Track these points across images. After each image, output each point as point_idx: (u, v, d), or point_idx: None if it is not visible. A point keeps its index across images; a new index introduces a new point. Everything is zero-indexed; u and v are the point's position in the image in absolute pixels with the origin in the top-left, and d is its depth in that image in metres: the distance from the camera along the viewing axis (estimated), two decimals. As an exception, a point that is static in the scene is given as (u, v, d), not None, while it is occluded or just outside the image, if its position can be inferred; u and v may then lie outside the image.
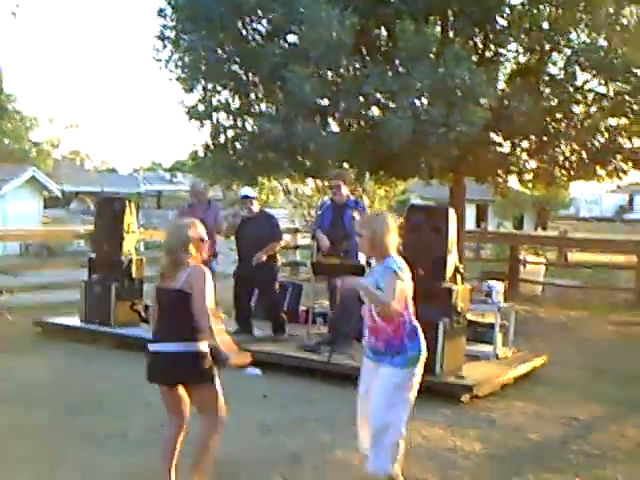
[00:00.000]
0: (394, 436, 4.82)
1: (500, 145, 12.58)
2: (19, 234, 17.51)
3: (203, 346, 4.59)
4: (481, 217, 42.32)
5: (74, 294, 10.48)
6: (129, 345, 8.78)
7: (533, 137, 12.22)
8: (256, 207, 9.41)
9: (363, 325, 5.03)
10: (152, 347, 4.67)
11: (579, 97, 12.04)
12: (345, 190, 9.00)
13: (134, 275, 9.92)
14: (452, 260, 7.74)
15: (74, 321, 9.97)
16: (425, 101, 10.50)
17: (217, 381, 4.70)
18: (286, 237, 16.13)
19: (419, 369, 4.89)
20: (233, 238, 9.66)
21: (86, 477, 5.13)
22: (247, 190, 9.73)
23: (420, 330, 4.91)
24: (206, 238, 4.77)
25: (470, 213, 36.01)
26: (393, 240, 4.90)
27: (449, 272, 7.70)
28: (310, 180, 15.84)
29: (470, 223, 34.18)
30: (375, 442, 4.80)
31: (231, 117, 12.23)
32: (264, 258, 9.13)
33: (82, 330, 9.72)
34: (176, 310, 4.60)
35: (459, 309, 7.70)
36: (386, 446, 4.80)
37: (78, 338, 9.53)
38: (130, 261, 9.94)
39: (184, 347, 4.57)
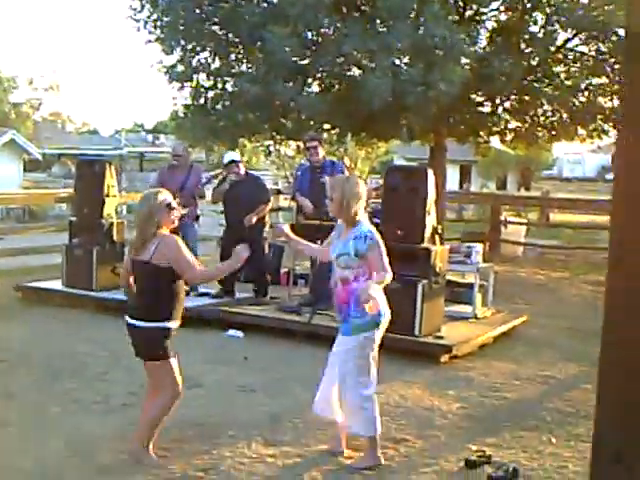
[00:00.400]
0: (363, 400, 4.88)
1: (481, 105, 12.59)
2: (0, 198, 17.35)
3: (160, 323, 4.67)
4: (464, 178, 42.41)
5: (56, 258, 10.46)
6: (111, 309, 8.79)
7: (514, 97, 12.23)
8: (242, 170, 9.37)
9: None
10: (126, 318, 4.83)
11: (560, 56, 12.05)
12: (321, 151, 8.99)
13: (115, 239, 9.88)
14: (430, 221, 7.78)
15: (56, 285, 9.95)
16: (405, 60, 10.47)
17: (173, 360, 4.78)
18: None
19: (373, 336, 4.85)
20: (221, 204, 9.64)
21: (70, 440, 5.16)
22: (232, 155, 9.67)
23: (381, 295, 4.85)
24: (174, 204, 4.78)
25: (453, 174, 36.09)
26: (362, 204, 4.92)
27: (427, 233, 7.74)
28: (292, 142, 15.78)
29: (453, 184, 34.29)
30: (348, 407, 4.88)
31: (211, 78, 12.15)
32: (254, 220, 9.12)
33: (64, 294, 9.71)
34: (143, 283, 4.74)
35: (437, 270, 7.75)
36: (358, 409, 4.87)
37: (60, 302, 9.53)
38: (111, 225, 9.90)
39: (143, 323, 4.70)
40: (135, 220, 4.79)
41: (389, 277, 4.81)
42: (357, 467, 4.84)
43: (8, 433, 5.28)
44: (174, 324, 4.74)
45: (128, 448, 4.87)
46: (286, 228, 5.27)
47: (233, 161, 9.36)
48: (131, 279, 4.84)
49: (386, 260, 4.84)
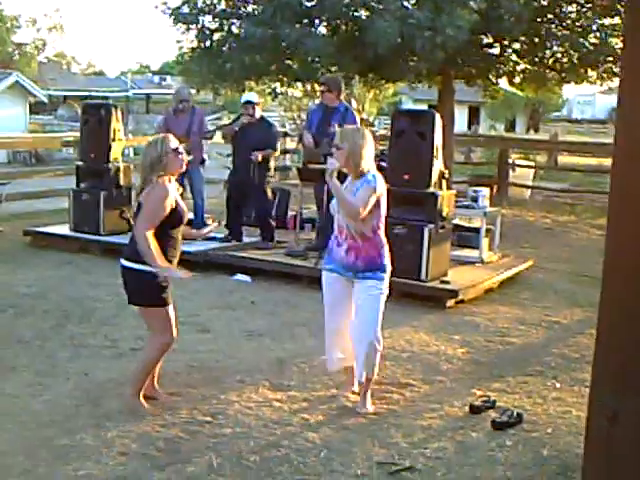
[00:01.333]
0: (380, 341, 4.96)
1: (490, 46, 12.42)
2: (6, 142, 17.32)
3: (144, 267, 4.57)
4: (473, 119, 42.07)
5: (64, 201, 10.47)
6: (118, 253, 8.78)
7: (523, 38, 12.05)
8: (258, 113, 9.31)
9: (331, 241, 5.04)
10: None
11: (571, -4, 11.83)
12: (331, 95, 8.89)
13: (122, 183, 9.89)
14: (437, 165, 7.74)
15: (63, 230, 9.99)
16: (412, 3, 10.31)
17: (169, 306, 4.74)
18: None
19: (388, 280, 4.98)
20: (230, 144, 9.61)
21: (79, 385, 5.23)
22: (250, 95, 9.62)
23: (387, 245, 4.97)
24: (181, 149, 4.74)
25: (462, 115, 35.79)
26: (370, 157, 4.88)
27: (434, 178, 7.71)
28: (299, 83, 15.64)
29: (462, 125, 34.04)
30: (370, 350, 4.90)
31: (217, 20, 11.99)
32: (260, 158, 9.08)
33: (71, 239, 9.75)
34: (134, 225, 4.68)
35: (444, 214, 7.75)
36: (377, 353, 4.94)
37: (68, 247, 9.58)
38: (117, 169, 9.90)
39: (134, 265, 4.63)
40: (141, 164, 4.72)
41: (357, 209, 4.68)
42: (364, 412, 4.91)
43: (17, 378, 5.35)
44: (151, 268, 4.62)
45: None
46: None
47: (250, 102, 9.29)
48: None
49: (366, 202, 4.71)
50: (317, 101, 9.50)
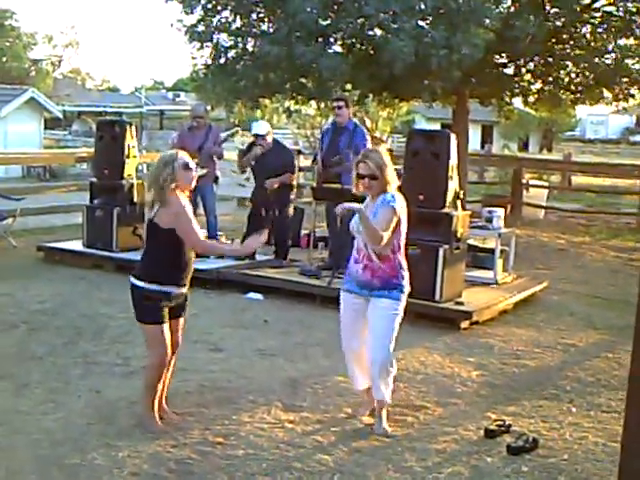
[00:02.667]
0: (393, 363, 4.93)
1: (504, 66, 12.40)
2: (21, 158, 17.40)
3: (151, 285, 4.64)
4: (486, 138, 42.03)
5: (77, 217, 10.48)
6: (131, 270, 8.79)
7: (538, 58, 12.03)
8: (270, 139, 9.36)
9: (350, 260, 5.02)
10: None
11: (586, 17, 11.81)
12: (347, 112, 8.92)
13: (135, 200, 9.90)
14: (452, 186, 7.71)
15: (77, 246, 10.00)
16: (428, 22, 10.31)
17: (164, 325, 4.72)
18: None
19: (404, 301, 4.94)
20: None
21: (90, 403, 5.21)
22: (258, 127, 9.54)
23: (406, 268, 4.95)
24: (192, 165, 4.73)
25: (475, 134, 35.77)
26: (392, 175, 4.86)
27: (449, 198, 7.67)
28: (313, 102, 15.66)
29: (475, 144, 34.01)
30: (382, 372, 4.88)
31: (232, 38, 12.02)
32: (276, 186, 9.14)
33: (85, 255, 9.76)
34: (147, 242, 4.75)
35: (459, 235, 7.70)
36: (390, 374, 4.91)
37: (81, 263, 9.59)
38: (131, 185, 9.91)
39: (136, 282, 4.70)
40: (150, 179, 4.71)
41: (380, 235, 4.65)
42: (381, 433, 4.87)
43: (30, 394, 5.33)
44: (171, 289, 4.67)
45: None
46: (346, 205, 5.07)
47: (258, 135, 9.35)
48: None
49: (389, 225, 4.71)
50: (330, 120, 9.50)
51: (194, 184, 4.79)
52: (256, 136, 9.38)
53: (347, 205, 4.72)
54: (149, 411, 4.79)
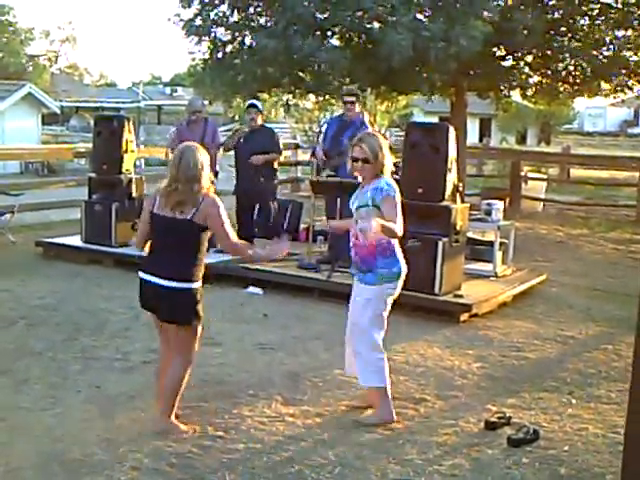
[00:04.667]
0: (373, 349, 4.90)
1: (502, 59, 12.39)
2: (19, 153, 17.39)
3: (196, 285, 4.58)
4: (484, 131, 41.98)
5: (76, 212, 10.47)
6: (130, 265, 8.79)
7: (536, 51, 12.02)
8: (259, 120, 9.40)
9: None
10: (146, 277, 4.62)
11: (584, 9, 11.78)
12: (357, 107, 8.93)
13: (134, 194, 9.88)
14: (451, 179, 7.70)
15: (75, 241, 9.99)
16: (426, 15, 10.29)
17: (199, 325, 4.69)
18: (287, 153, 16.09)
19: (394, 287, 4.88)
20: (232, 154, 9.67)
21: (90, 398, 5.20)
22: (256, 101, 9.70)
23: (399, 249, 4.90)
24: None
25: (473, 127, 35.70)
26: (388, 161, 4.87)
27: (448, 191, 7.67)
28: (311, 95, 15.65)
29: (473, 137, 33.95)
30: (358, 357, 4.92)
31: (229, 32, 12.00)
32: (261, 161, 9.12)
33: (83, 250, 9.74)
34: (179, 243, 4.55)
35: (458, 228, 7.70)
36: (369, 360, 4.90)
37: (79, 259, 9.57)
38: (130, 180, 9.90)
39: (179, 285, 4.52)
40: (180, 175, 4.48)
41: (398, 230, 4.67)
42: (369, 422, 4.88)
43: (30, 389, 5.33)
44: (200, 284, 4.64)
45: (154, 418, 4.78)
46: (335, 223, 5.10)
47: (253, 105, 9.48)
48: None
49: (400, 215, 4.74)
50: (337, 113, 9.50)
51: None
52: (251, 107, 9.46)
53: (364, 225, 4.47)
54: (171, 416, 4.69)
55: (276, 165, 9.59)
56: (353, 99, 8.87)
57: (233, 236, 4.61)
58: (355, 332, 4.94)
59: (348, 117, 8.87)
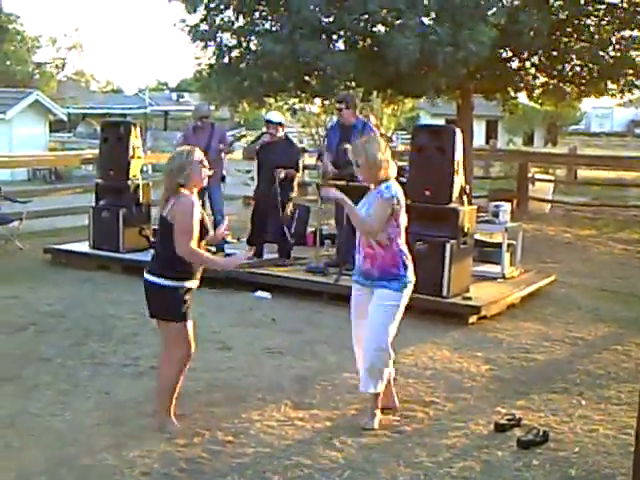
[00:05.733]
0: (387, 356, 4.91)
1: (509, 61, 12.36)
2: (27, 160, 17.45)
3: (179, 284, 4.62)
4: (491, 133, 41.92)
5: (83, 219, 10.50)
6: (138, 271, 8.77)
7: (542, 52, 11.99)
8: (280, 132, 9.28)
9: (355, 251, 5.04)
10: (144, 274, 4.79)
11: (590, 9, 11.76)
12: (349, 112, 8.88)
13: (141, 200, 9.90)
14: (458, 181, 7.69)
15: (83, 247, 10.01)
16: (433, 18, 10.27)
17: (189, 321, 4.71)
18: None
19: (407, 295, 4.93)
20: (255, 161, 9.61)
21: (99, 404, 5.22)
22: (271, 115, 9.58)
23: (410, 259, 4.96)
24: (205, 162, 4.73)
25: (480, 129, 35.67)
26: (389, 164, 4.87)
27: (455, 193, 7.66)
28: (317, 99, 15.66)
29: (480, 139, 33.93)
30: (370, 362, 4.90)
31: (235, 37, 12.01)
32: (282, 175, 9.07)
33: (91, 257, 9.77)
34: (160, 238, 4.69)
35: (465, 230, 7.69)
36: (379, 366, 4.90)
37: (87, 265, 9.59)
38: (137, 186, 9.92)
39: (157, 280, 4.64)
40: (165, 172, 4.69)
41: (367, 224, 4.80)
42: (370, 427, 4.88)
43: (41, 395, 5.34)
44: (189, 284, 4.66)
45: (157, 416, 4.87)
46: (332, 192, 5.12)
47: (269, 121, 9.30)
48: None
49: (380, 217, 4.77)
50: (335, 118, 9.45)
51: (205, 182, 4.79)
52: (267, 123, 9.33)
53: (332, 194, 4.88)
54: (166, 411, 4.77)
55: (295, 179, 9.51)
56: (342, 105, 8.86)
57: (188, 241, 4.52)
58: (373, 339, 4.90)
59: (345, 122, 8.84)
